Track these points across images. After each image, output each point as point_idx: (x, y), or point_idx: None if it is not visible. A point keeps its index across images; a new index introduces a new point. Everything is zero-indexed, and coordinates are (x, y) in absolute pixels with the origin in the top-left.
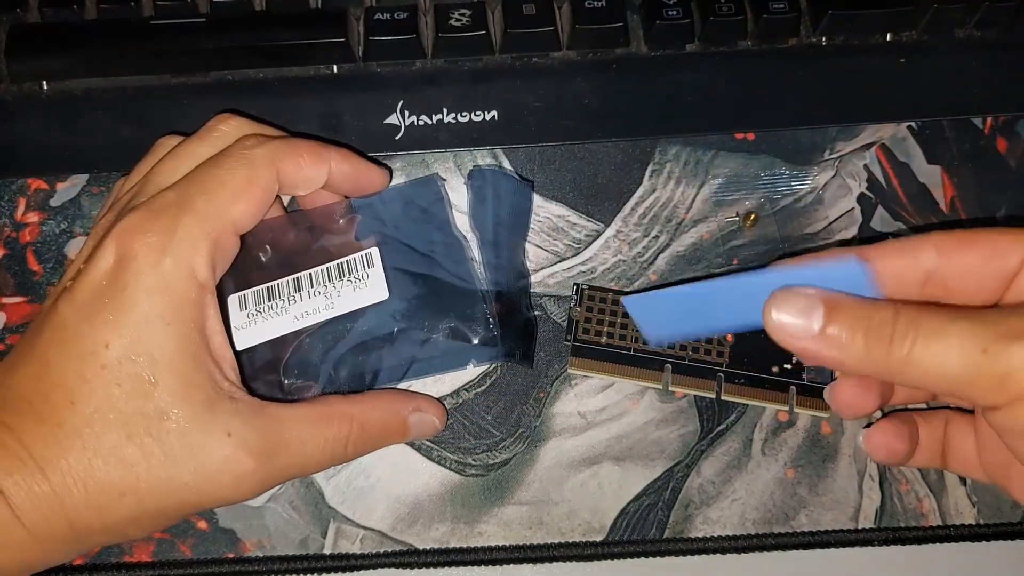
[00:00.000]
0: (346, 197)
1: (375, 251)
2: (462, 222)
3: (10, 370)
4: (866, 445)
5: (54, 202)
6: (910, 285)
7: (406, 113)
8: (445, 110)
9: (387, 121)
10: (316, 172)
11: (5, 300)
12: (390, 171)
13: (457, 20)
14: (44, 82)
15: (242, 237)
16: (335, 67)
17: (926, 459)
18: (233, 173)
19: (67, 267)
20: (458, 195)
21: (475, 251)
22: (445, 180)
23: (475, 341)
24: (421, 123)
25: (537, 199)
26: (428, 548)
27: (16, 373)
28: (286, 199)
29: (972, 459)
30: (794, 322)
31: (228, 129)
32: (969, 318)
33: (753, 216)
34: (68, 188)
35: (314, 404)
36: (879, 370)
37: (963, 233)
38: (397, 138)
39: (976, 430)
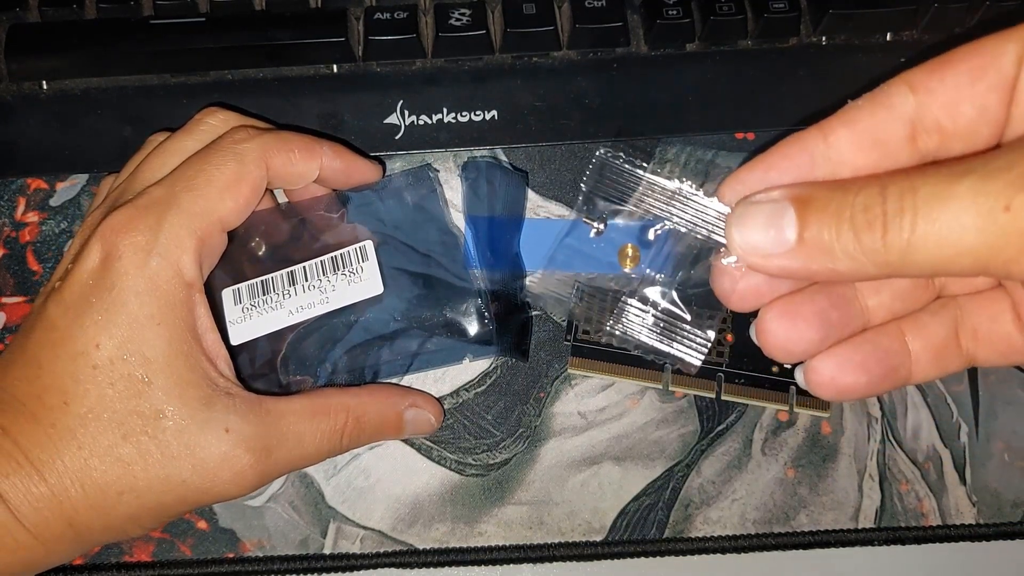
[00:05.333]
0: (335, 190)
1: (369, 244)
2: (456, 215)
3: (2, 372)
4: (809, 381)
5: (54, 202)
6: (896, 148)
7: (406, 113)
8: (445, 110)
9: (387, 121)
10: (307, 167)
11: (5, 300)
12: (382, 165)
13: (457, 20)
14: (44, 82)
15: (235, 229)
16: (335, 67)
17: (937, 366)
18: (221, 168)
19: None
20: (454, 191)
21: (470, 244)
22: (438, 171)
23: (471, 335)
24: (421, 123)
25: (537, 198)
26: (428, 548)
27: (8, 375)
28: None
29: (1013, 338)
30: (763, 238)
31: (215, 122)
32: (975, 170)
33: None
34: (68, 188)
35: (310, 396)
36: (878, 268)
37: (937, 57)
38: (397, 138)
39: (1014, 296)
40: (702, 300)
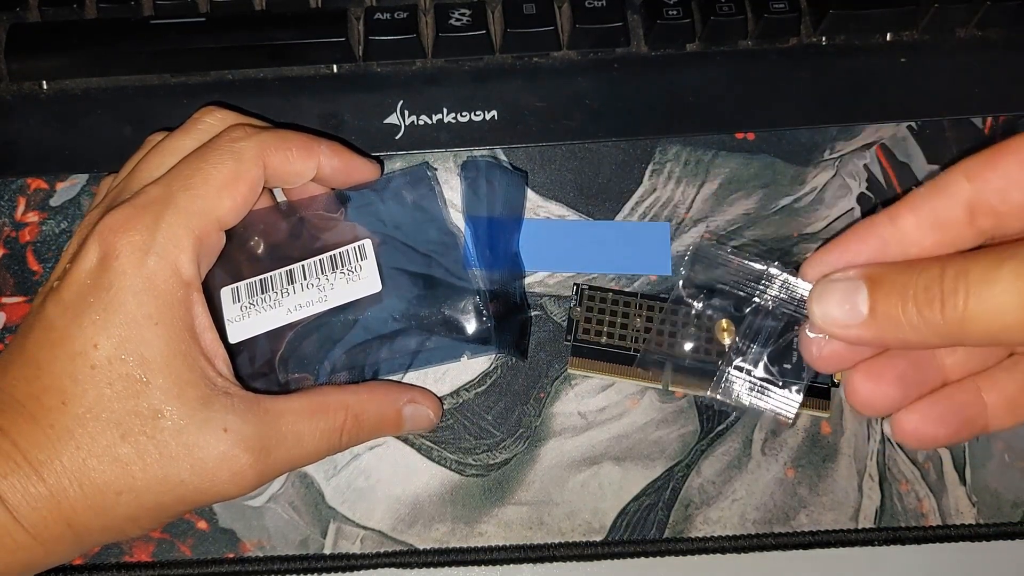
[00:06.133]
0: (333, 189)
1: (367, 243)
2: (455, 213)
3: (1, 372)
4: (895, 432)
5: (54, 202)
6: (957, 228)
7: (406, 113)
8: (445, 110)
9: (387, 121)
10: (305, 166)
11: (5, 300)
12: (381, 164)
13: (457, 20)
14: (44, 82)
15: (233, 228)
16: (335, 67)
17: (1012, 415)
18: (218, 167)
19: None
20: (454, 191)
21: (469, 242)
22: (436, 169)
23: (469, 333)
24: (421, 123)
25: (537, 198)
26: (428, 548)
27: (7, 375)
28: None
29: None
30: (840, 312)
31: (213, 121)
32: (1015, 256)
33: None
34: (68, 188)
35: (308, 395)
36: (939, 338)
37: (991, 147)
38: (397, 138)
39: None
40: (791, 366)
